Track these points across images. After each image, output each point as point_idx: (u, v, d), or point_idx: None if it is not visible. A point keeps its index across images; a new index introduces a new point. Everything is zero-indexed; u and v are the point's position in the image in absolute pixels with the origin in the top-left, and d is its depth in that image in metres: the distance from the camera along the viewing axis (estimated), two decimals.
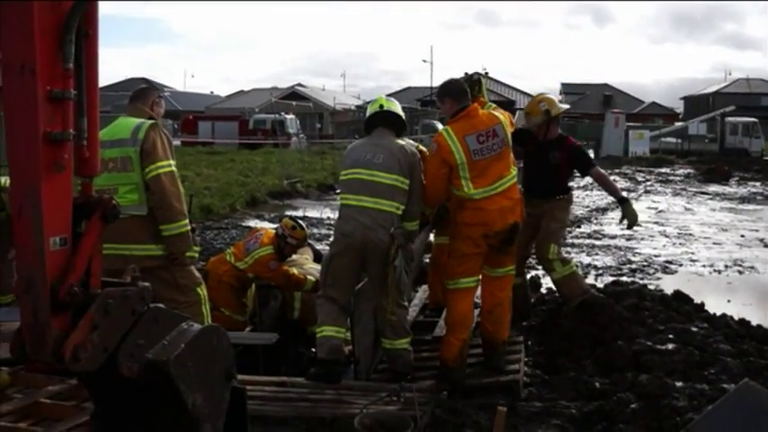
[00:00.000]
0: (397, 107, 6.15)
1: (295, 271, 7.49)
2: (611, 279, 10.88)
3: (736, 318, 7.72)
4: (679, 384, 5.79)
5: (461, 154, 5.76)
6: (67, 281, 2.80)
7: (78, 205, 2.93)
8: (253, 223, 16.61)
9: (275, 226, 8.22)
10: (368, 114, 6.12)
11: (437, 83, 41.72)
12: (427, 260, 8.40)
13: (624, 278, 11.11)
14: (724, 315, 7.76)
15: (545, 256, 7.29)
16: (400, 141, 6.00)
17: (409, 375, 6.04)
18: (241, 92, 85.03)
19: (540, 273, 11.56)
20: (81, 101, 3.06)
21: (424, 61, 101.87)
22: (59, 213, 2.88)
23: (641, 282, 10.63)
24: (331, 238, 6.14)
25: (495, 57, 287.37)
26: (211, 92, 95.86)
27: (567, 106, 7.53)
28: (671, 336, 6.72)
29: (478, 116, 5.94)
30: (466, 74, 6.92)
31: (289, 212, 17.78)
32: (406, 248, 5.80)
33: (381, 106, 6.05)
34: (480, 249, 5.90)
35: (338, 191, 6.00)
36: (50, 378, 5.19)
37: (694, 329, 6.93)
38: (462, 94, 6.06)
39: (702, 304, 7.99)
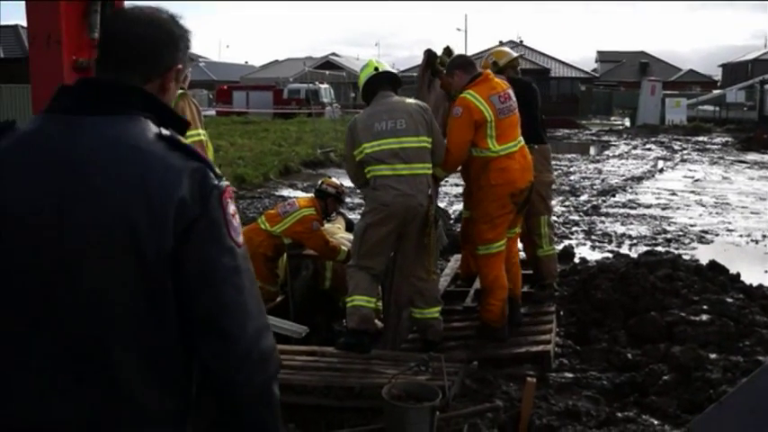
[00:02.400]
0: (388, 66, 6.24)
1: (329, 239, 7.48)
2: (646, 249, 10.75)
3: None
4: (713, 356, 5.73)
5: (490, 112, 5.96)
6: None
7: None
8: (286, 192, 16.68)
9: (309, 195, 8.18)
10: (365, 80, 6.10)
11: (471, 52, 41.35)
12: (458, 229, 8.37)
13: (659, 248, 10.97)
14: (761, 286, 7.66)
15: (535, 230, 7.16)
16: (409, 100, 6.05)
17: (439, 344, 6.05)
18: (275, 62, 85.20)
19: (574, 242, 11.54)
20: None
21: (458, 30, 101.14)
22: None
23: (676, 252, 10.49)
24: (363, 208, 6.10)
25: (531, 24, 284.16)
26: (246, 62, 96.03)
27: (515, 54, 7.36)
28: (705, 307, 6.63)
29: (494, 80, 6.21)
30: (447, 48, 6.86)
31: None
32: (442, 208, 5.91)
33: (376, 69, 6.08)
34: (507, 210, 6.09)
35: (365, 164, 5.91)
36: None
37: (729, 300, 6.84)
38: (470, 65, 6.35)
39: (738, 275, 7.86)
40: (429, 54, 6.75)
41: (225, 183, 1.89)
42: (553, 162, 24.23)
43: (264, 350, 1.91)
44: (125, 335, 1.80)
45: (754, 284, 7.69)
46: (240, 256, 1.89)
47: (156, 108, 1.93)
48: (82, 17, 2.81)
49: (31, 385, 1.81)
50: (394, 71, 6.23)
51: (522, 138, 6.23)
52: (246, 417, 1.93)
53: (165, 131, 1.88)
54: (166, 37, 1.98)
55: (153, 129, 1.87)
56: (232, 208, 1.91)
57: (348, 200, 14.69)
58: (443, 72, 6.54)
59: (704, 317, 6.41)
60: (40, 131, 1.87)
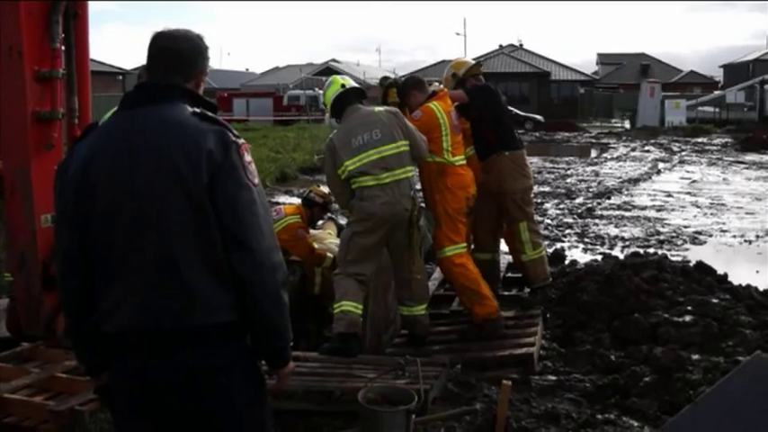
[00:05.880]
0: (351, 81, 6.36)
1: (316, 246, 7.49)
2: (636, 251, 10.73)
3: (761, 289, 7.59)
4: (695, 357, 5.75)
5: (447, 126, 6.42)
6: None
7: None
8: (282, 199, 16.66)
9: (297, 203, 8.21)
10: (333, 97, 6.17)
11: (471, 55, 41.32)
12: None
13: (651, 249, 10.94)
14: (748, 286, 7.63)
15: (517, 237, 7.16)
16: (378, 108, 6.19)
17: (426, 341, 6.23)
18: (276, 68, 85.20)
19: (566, 245, 11.55)
20: (71, 80, 3.08)
21: (458, 34, 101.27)
22: (50, 191, 2.92)
23: (668, 253, 10.48)
24: (349, 217, 6.15)
25: (531, 27, 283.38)
26: (247, 69, 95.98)
27: (473, 62, 7.52)
28: (689, 308, 6.65)
29: (448, 99, 6.69)
30: (384, 78, 7.10)
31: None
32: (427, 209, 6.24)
33: (343, 86, 6.18)
34: (464, 212, 6.45)
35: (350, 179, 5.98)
36: (69, 353, 5.27)
37: (714, 301, 6.85)
38: (423, 83, 6.82)
39: (725, 275, 7.85)
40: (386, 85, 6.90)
41: (241, 140, 2.68)
42: (551, 165, 24.10)
43: (274, 262, 2.66)
44: (186, 248, 2.55)
45: (743, 285, 7.67)
46: (255, 192, 2.65)
47: (191, 96, 2.73)
48: (43, 28, 2.83)
49: (130, 295, 2.57)
50: (358, 86, 6.38)
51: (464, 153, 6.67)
52: (261, 311, 2.65)
53: (196, 109, 2.68)
54: (198, 50, 2.82)
55: (188, 108, 2.66)
56: (248, 157, 2.67)
57: (337, 206, 14.72)
58: (401, 94, 6.77)
59: (687, 318, 6.43)
60: (115, 122, 2.70)
